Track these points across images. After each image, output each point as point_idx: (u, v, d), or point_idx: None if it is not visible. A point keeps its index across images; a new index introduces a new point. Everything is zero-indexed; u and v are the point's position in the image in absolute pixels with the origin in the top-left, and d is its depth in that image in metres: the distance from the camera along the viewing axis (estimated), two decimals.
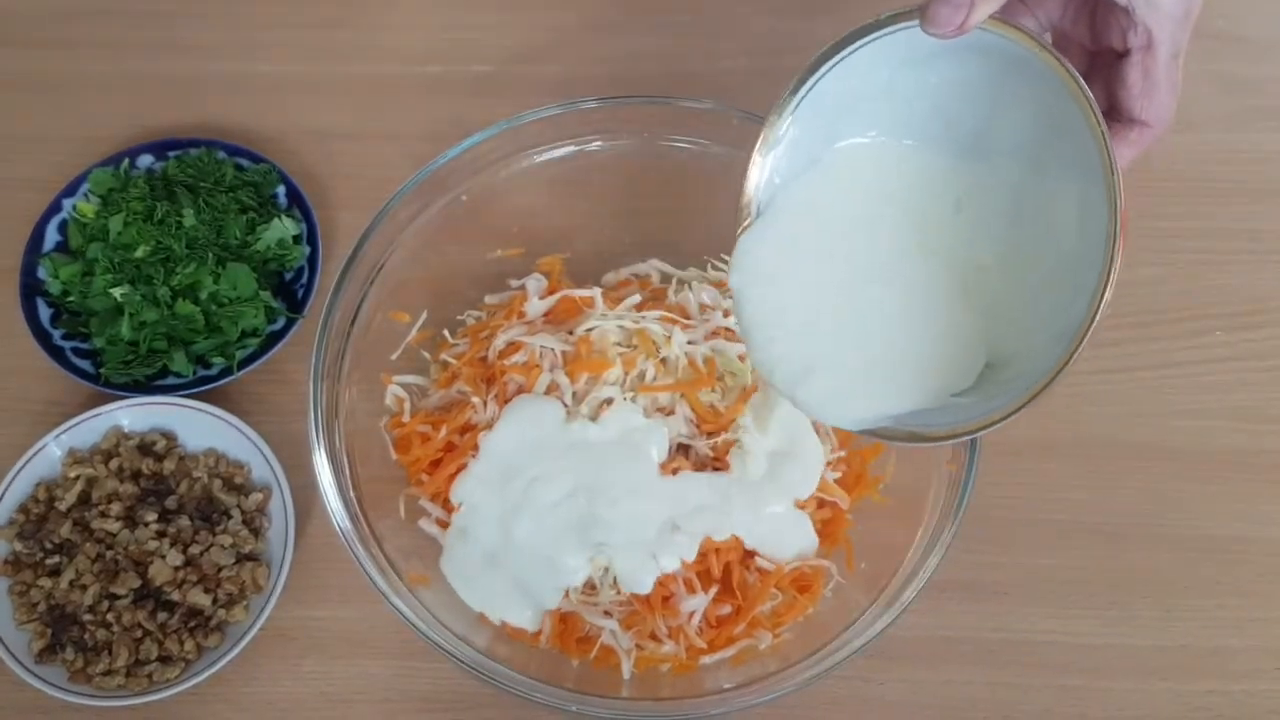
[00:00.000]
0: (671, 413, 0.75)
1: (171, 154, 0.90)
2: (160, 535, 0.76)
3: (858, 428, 0.60)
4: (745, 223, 0.63)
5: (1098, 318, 0.52)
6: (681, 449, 0.75)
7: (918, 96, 0.60)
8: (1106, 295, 0.52)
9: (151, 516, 0.76)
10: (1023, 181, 0.59)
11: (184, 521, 0.76)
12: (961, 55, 0.57)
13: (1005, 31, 0.54)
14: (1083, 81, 0.53)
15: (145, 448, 0.79)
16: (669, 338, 0.76)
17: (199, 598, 0.74)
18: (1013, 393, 0.55)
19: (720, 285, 0.81)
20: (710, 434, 0.75)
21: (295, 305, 0.85)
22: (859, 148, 0.62)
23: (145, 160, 0.91)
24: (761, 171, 0.62)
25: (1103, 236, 0.52)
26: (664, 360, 0.76)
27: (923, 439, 0.57)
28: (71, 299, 0.84)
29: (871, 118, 0.62)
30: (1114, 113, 0.58)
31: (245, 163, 0.90)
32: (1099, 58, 0.60)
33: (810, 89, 0.60)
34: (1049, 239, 0.58)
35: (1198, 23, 0.57)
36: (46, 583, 0.74)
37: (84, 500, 0.77)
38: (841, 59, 0.58)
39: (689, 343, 0.76)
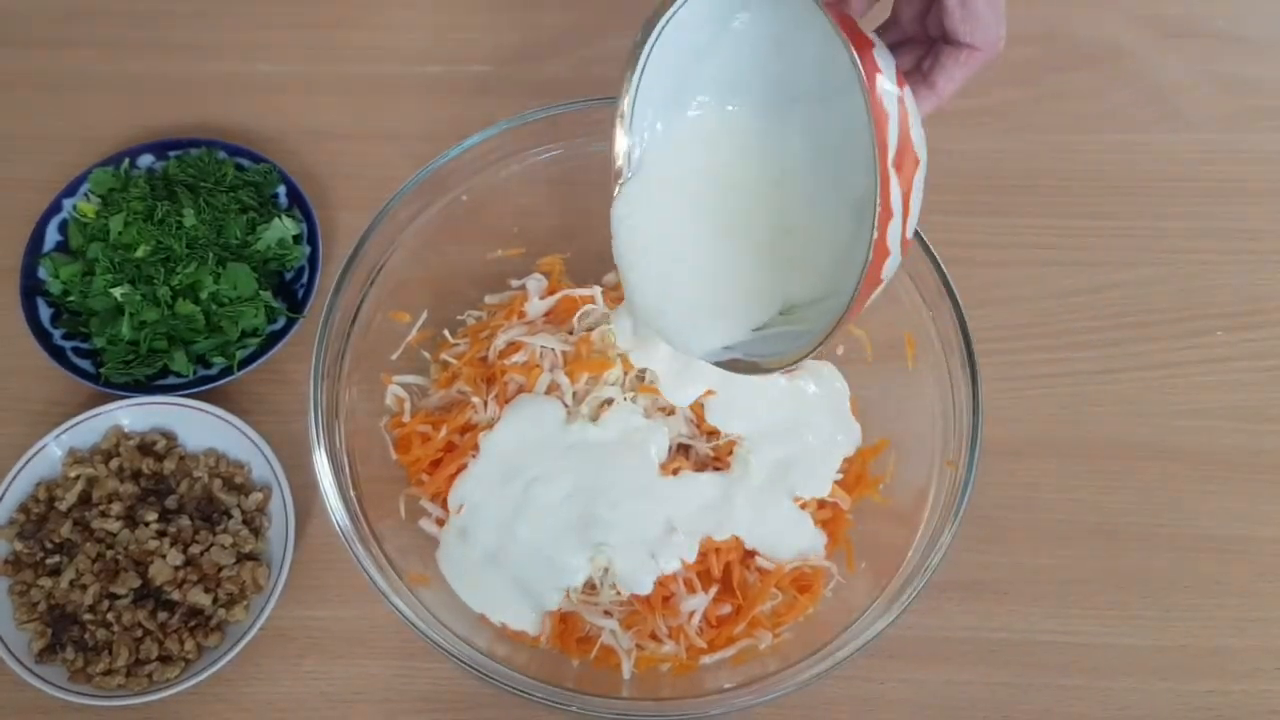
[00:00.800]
0: (672, 413, 0.75)
1: (172, 154, 0.90)
2: (160, 535, 0.76)
3: (707, 359, 0.67)
4: (617, 187, 0.69)
5: (887, 248, 0.54)
6: (682, 449, 0.75)
7: (735, 52, 0.64)
8: (876, 234, 0.53)
9: (152, 516, 0.76)
10: (832, 127, 0.62)
11: (184, 521, 0.76)
12: (754, 4, 0.61)
13: None
14: (823, 6, 0.53)
15: (145, 447, 0.79)
16: None
17: (199, 597, 0.74)
18: (825, 325, 0.59)
19: None
20: (710, 434, 0.75)
21: (295, 305, 0.85)
22: (695, 121, 0.68)
23: (145, 160, 0.91)
24: (622, 143, 0.68)
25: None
26: None
27: (761, 369, 0.64)
28: (72, 299, 0.84)
29: (706, 81, 0.66)
30: (944, 38, 0.60)
31: (245, 163, 0.90)
32: None
33: (645, 61, 0.65)
34: (858, 182, 0.61)
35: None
36: (47, 582, 0.74)
37: (84, 500, 0.77)
38: (665, 22, 0.62)
39: None
